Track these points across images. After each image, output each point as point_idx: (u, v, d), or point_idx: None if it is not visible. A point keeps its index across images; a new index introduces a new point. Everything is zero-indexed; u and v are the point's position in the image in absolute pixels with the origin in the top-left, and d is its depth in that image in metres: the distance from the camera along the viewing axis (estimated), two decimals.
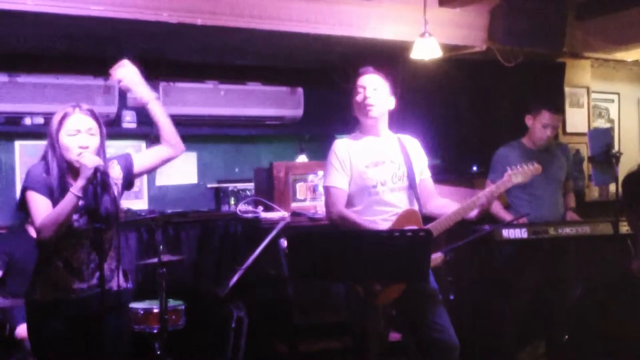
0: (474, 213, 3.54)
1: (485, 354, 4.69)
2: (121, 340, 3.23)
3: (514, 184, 3.65)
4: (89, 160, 2.97)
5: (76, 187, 2.96)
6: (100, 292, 3.00)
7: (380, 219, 3.51)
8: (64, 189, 3.01)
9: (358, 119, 3.65)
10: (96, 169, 2.95)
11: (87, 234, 3.08)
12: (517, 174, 3.63)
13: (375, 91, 3.55)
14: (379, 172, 3.53)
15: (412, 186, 3.60)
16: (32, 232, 4.42)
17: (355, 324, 3.42)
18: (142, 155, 3.45)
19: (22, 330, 4.25)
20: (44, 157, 3.08)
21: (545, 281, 4.67)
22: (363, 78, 3.60)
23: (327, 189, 3.56)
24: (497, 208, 4.71)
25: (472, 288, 5.11)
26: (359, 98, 3.57)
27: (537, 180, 4.61)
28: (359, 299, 3.22)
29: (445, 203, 3.66)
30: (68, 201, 2.95)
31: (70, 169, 3.07)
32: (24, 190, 3.05)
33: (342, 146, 3.57)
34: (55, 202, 3.00)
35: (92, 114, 3.11)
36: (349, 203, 3.54)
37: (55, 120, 3.06)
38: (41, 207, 2.99)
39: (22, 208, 3.09)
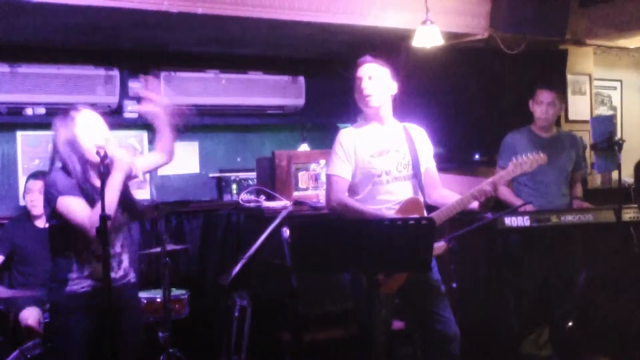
0: (476, 203, 3.55)
1: (488, 342, 4.70)
2: (139, 333, 3.36)
3: (519, 173, 3.65)
4: (125, 156, 3.09)
5: (117, 180, 3.04)
6: (104, 281, 2.95)
7: (384, 208, 3.51)
8: (92, 185, 3.10)
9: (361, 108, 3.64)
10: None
11: (121, 227, 3.18)
12: (522, 163, 3.62)
13: (371, 80, 3.54)
14: (384, 161, 3.53)
15: (416, 175, 3.60)
16: (39, 224, 4.46)
17: (361, 314, 3.43)
18: (142, 159, 3.50)
19: (25, 315, 4.27)
20: (63, 164, 3.10)
21: (549, 269, 4.66)
22: (360, 68, 3.60)
23: (329, 177, 3.57)
24: (506, 194, 4.70)
25: (475, 276, 5.11)
26: (356, 89, 3.58)
27: (544, 169, 4.60)
28: (363, 289, 3.22)
29: (448, 194, 3.66)
30: (116, 191, 3.02)
31: (90, 165, 3.12)
32: (55, 199, 3.04)
33: (348, 136, 3.57)
34: (88, 201, 3.04)
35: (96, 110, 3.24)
36: (353, 192, 3.55)
37: (69, 123, 3.11)
38: (81, 208, 3.02)
39: (55, 216, 3.08)
